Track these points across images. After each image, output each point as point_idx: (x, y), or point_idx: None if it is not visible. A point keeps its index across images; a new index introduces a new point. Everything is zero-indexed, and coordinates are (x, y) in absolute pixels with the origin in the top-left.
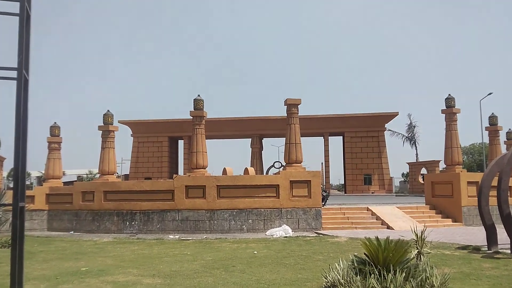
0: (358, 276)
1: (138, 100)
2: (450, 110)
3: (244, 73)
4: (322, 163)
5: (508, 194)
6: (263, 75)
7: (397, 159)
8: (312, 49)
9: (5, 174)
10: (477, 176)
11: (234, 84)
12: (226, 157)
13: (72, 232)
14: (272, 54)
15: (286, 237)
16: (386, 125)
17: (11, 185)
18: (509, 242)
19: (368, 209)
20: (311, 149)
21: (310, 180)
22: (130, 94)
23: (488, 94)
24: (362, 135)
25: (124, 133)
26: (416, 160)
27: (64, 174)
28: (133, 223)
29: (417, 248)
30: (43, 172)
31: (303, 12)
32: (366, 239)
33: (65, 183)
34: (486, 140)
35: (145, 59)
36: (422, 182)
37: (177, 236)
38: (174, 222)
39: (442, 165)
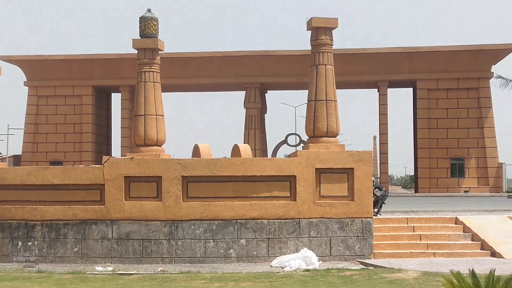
0: None
1: (40, 26)
2: None
3: None
4: (374, 137)
5: None
6: None
7: None
8: None
9: None
10: None
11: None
12: (200, 127)
13: None
14: None
15: (307, 270)
16: (493, 69)
17: None
18: None
19: (457, 222)
20: (356, 112)
21: (352, 168)
22: (25, 17)
23: None
24: (449, 85)
25: (13, 80)
26: None
27: None
28: (29, 243)
29: None
30: None
31: None
32: (452, 275)
33: None
34: None
35: None
36: None
37: (109, 268)
38: (104, 242)
39: None
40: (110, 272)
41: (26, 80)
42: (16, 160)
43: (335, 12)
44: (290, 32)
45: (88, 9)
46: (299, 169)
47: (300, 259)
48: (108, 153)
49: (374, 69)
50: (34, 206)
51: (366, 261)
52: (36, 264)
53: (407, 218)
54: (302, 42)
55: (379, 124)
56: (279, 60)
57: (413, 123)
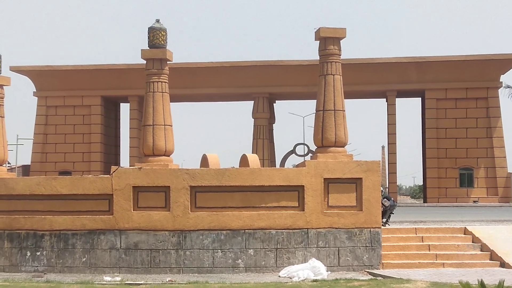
0: None
1: (49, 37)
2: None
3: None
4: (382, 147)
5: None
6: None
7: None
8: None
9: None
10: None
11: (223, 10)
12: (208, 137)
13: None
14: None
15: (316, 280)
16: (501, 78)
17: None
18: None
19: (466, 232)
20: (364, 122)
21: (361, 178)
22: (35, 28)
23: None
24: (458, 95)
25: (23, 90)
26: None
27: None
28: (38, 253)
29: None
30: None
31: None
32: (461, 286)
33: None
34: None
35: None
36: None
37: (118, 278)
38: (113, 252)
39: None
40: (119, 282)
41: (35, 91)
42: (25, 170)
43: (343, 22)
44: (298, 42)
45: (96, 20)
46: (307, 179)
47: (309, 269)
48: (117, 163)
49: (383, 79)
50: (42, 216)
51: (375, 271)
52: (44, 274)
53: (415, 228)
54: (310, 52)
55: (388, 134)
56: (287, 70)
57: (422, 133)
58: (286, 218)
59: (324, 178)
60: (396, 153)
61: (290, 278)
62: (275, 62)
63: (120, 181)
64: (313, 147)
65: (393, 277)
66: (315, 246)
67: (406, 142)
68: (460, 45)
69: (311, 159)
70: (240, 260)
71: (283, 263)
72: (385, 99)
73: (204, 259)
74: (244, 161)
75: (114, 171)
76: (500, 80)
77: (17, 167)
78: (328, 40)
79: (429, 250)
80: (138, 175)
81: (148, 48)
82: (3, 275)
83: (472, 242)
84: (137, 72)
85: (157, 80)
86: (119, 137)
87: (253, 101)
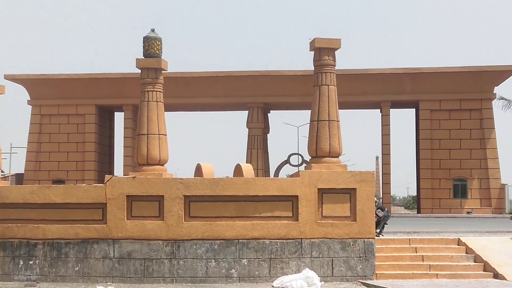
0: None
1: (43, 46)
2: None
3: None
4: (376, 158)
5: None
6: (269, 6)
7: None
8: None
9: None
10: None
11: (218, 20)
12: (202, 147)
13: None
14: None
15: None
16: (495, 90)
17: None
18: None
19: (459, 243)
20: (359, 132)
21: (355, 189)
22: (29, 36)
23: None
24: (452, 106)
25: (17, 98)
26: None
27: None
28: (31, 262)
29: None
30: None
31: None
32: None
33: None
34: None
35: None
36: None
37: None
38: (106, 261)
39: None
40: None
41: (29, 99)
42: (19, 178)
43: (338, 32)
44: (293, 52)
45: (91, 29)
46: (301, 189)
47: (302, 280)
48: (111, 172)
49: (377, 90)
50: (36, 225)
51: (368, 282)
52: (37, 283)
53: (409, 239)
54: (305, 62)
55: (382, 144)
56: (282, 80)
57: (416, 143)
58: (280, 228)
59: (318, 188)
60: (390, 164)
61: None
62: (270, 72)
63: (114, 190)
64: (307, 157)
65: None
66: (308, 256)
67: (400, 152)
68: (455, 57)
69: (305, 169)
70: (233, 270)
71: (277, 273)
72: (379, 110)
73: (197, 269)
74: (238, 171)
75: (108, 180)
76: (494, 92)
77: (11, 175)
78: (323, 51)
79: (423, 261)
80: (132, 184)
81: (143, 57)
82: None
83: (466, 253)
84: (131, 81)
85: (151, 89)
86: (113, 146)
87: (247, 111)
